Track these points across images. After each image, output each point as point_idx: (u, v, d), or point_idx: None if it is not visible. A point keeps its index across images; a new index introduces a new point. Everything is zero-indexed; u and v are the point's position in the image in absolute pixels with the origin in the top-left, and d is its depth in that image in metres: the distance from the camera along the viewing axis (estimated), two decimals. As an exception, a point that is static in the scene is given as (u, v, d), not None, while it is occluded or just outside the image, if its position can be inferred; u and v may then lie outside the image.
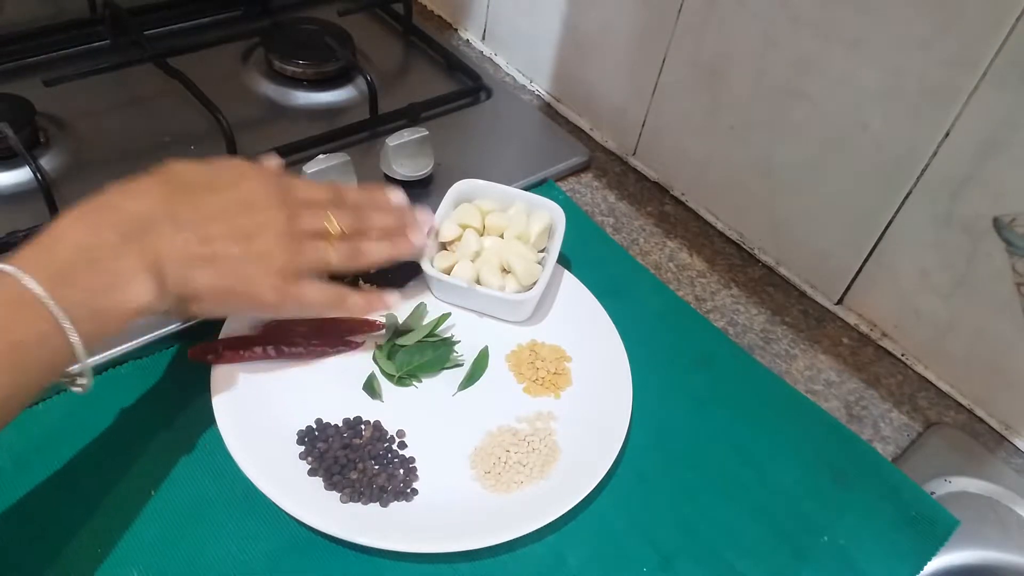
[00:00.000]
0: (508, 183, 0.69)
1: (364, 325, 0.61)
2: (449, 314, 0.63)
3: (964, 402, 0.66)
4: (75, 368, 0.44)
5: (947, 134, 0.58)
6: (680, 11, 0.71)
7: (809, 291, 0.73)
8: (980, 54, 0.54)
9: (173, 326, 0.59)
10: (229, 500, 0.52)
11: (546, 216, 0.66)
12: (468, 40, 0.97)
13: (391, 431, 0.56)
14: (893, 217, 0.64)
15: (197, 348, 0.56)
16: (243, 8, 0.90)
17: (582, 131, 0.87)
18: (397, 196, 0.60)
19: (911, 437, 0.63)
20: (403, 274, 0.64)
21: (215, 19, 0.88)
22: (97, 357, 0.56)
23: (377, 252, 0.56)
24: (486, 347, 0.62)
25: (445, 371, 0.60)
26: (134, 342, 0.58)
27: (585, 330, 0.63)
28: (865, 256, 0.67)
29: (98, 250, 0.44)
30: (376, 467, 0.54)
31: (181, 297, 0.48)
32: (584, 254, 0.70)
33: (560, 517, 0.52)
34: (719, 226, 0.78)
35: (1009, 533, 0.58)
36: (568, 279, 0.67)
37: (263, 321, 0.60)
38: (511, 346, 0.63)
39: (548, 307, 0.65)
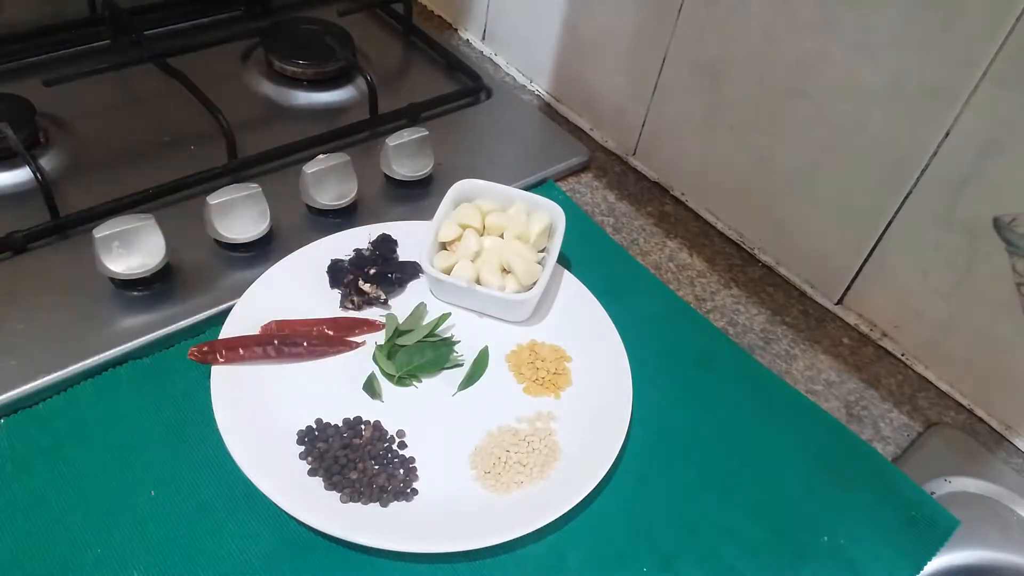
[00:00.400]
0: (508, 183, 0.69)
1: (364, 325, 0.61)
2: (449, 314, 0.63)
3: (964, 402, 0.66)
4: None
5: (947, 134, 0.58)
6: (680, 11, 0.71)
7: (809, 291, 0.73)
8: (980, 54, 0.55)
9: (173, 326, 0.59)
10: (229, 500, 0.52)
11: (546, 216, 0.66)
12: (468, 40, 0.97)
13: (391, 431, 0.56)
14: (893, 217, 0.64)
15: (197, 348, 0.57)
16: (243, 8, 0.90)
17: (582, 131, 0.87)
18: None
19: (911, 437, 0.63)
20: (403, 274, 0.64)
21: (215, 19, 0.88)
22: (97, 357, 0.56)
23: None
24: (486, 347, 0.62)
25: (445, 371, 0.60)
26: (134, 342, 0.58)
27: (585, 330, 0.63)
28: (865, 256, 0.67)
29: None
30: (376, 467, 0.53)
31: None
32: (584, 254, 0.70)
33: (560, 517, 0.52)
34: (719, 226, 0.78)
35: (1009, 533, 0.58)
36: (568, 279, 0.67)
37: (263, 321, 0.60)
38: (511, 346, 0.63)
39: (548, 307, 0.65)
